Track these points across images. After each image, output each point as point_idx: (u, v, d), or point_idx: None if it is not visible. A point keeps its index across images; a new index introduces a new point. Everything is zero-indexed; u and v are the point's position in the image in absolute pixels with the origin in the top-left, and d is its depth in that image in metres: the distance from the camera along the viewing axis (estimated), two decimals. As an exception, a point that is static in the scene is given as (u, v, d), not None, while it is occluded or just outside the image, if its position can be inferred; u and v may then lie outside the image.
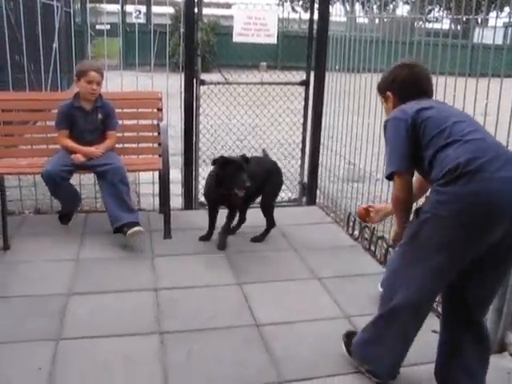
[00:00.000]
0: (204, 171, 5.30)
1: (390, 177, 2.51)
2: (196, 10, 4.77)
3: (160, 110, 4.83)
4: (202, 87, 4.96)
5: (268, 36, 4.97)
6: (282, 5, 30.75)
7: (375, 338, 2.72)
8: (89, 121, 4.41)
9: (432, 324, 3.24)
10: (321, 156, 5.41)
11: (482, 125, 2.53)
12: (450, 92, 3.53)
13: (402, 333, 2.63)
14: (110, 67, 5.21)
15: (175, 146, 5.52)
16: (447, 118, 2.40)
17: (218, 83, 5.08)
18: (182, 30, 4.84)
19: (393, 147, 2.48)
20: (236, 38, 4.95)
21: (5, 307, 3.35)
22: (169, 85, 4.87)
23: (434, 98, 2.75)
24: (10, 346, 2.96)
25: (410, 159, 2.45)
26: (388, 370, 2.73)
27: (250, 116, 5.73)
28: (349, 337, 2.93)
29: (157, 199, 5.05)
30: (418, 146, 2.43)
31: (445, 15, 4.18)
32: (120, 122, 4.67)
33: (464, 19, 3.56)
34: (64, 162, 4.26)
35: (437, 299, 3.48)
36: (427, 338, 3.08)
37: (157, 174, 4.91)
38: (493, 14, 3.52)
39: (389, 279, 2.66)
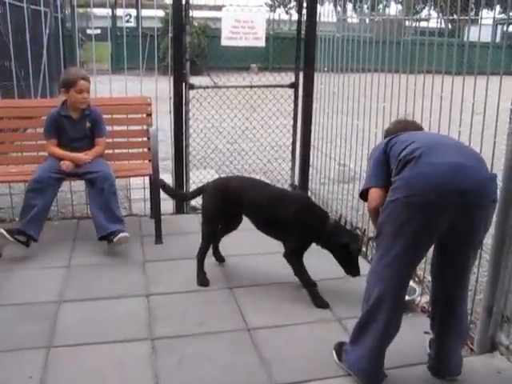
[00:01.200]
0: (194, 175, 5.31)
1: (361, 195, 2.87)
2: (184, 14, 4.77)
3: (149, 115, 4.83)
4: (191, 91, 4.96)
5: (256, 39, 4.97)
6: (275, 10, 30.83)
7: (356, 341, 2.76)
8: (77, 129, 4.40)
9: (423, 325, 3.27)
10: (311, 158, 5.42)
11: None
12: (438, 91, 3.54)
13: (379, 331, 2.66)
14: (100, 71, 5.20)
15: (166, 150, 5.52)
16: (408, 140, 2.66)
17: (207, 87, 5.08)
18: (170, 34, 4.83)
19: (369, 171, 2.85)
20: (224, 42, 4.95)
21: (-4, 315, 3.35)
22: (160, 88, 4.86)
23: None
24: (1, 354, 2.95)
25: (380, 177, 2.73)
26: (369, 373, 2.73)
27: (239, 119, 5.74)
28: (341, 346, 2.95)
29: (148, 204, 5.05)
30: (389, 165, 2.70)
31: (434, 14, 4.19)
32: (109, 127, 4.67)
33: (454, 18, 3.57)
34: (53, 169, 4.25)
35: (429, 300, 3.51)
36: (419, 338, 3.11)
37: (148, 178, 4.91)
38: (484, 13, 3.53)
39: (367, 283, 2.76)
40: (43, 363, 2.87)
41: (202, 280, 3.80)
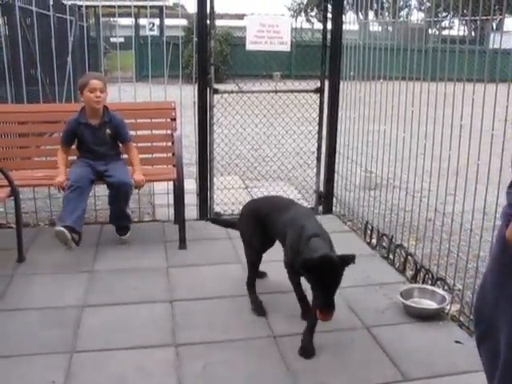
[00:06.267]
0: (219, 181, 5.27)
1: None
2: (208, 20, 4.75)
3: (174, 119, 4.80)
4: (215, 96, 4.93)
5: (281, 44, 4.92)
6: (296, 17, 30.92)
7: None
8: (97, 136, 4.34)
9: (454, 334, 3.19)
10: (336, 164, 5.35)
11: None
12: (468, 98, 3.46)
13: None
14: (124, 79, 5.20)
15: (190, 156, 5.50)
16: None
17: (232, 92, 5.04)
18: (195, 39, 4.81)
19: None
20: (249, 47, 4.90)
21: (19, 319, 3.32)
22: (182, 96, 4.84)
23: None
24: (24, 358, 2.92)
25: None
26: None
27: (264, 124, 5.70)
28: None
29: (172, 210, 5.01)
30: None
31: (458, 20, 4.11)
32: (133, 132, 4.64)
33: (478, 24, 3.50)
34: (88, 172, 4.26)
35: (459, 309, 3.42)
36: (450, 348, 3.03)
37: (171, 184, 4.88)
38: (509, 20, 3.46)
39: None
40: (66, 368, 2.83)
41: (257, 308, 3.46)
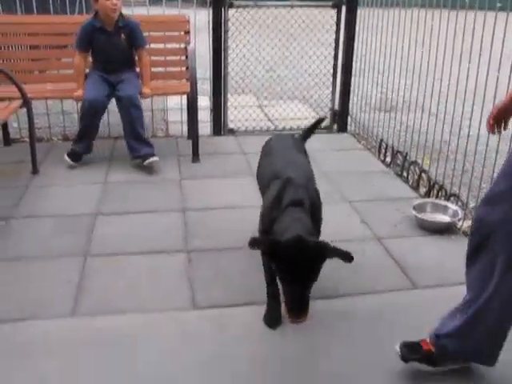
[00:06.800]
0: (232, 97, 5.21)
1: None
2: None
3: (187, 32, 4.69)
4: (230, 11, 4.80)
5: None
6: None
7: None
8: (112, 42, 4.23)
9: (465, 247, 3.18)
10: (352, 84, 5.24)
11: None
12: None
13: None
14: (137, 2, 5.09)
15: (204, 71, 5.40)
16: None
17: (247, 6, 4.91)
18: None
19: None
20: None
21: (35, 226, 3.37)
22: (197, 19, 4.73)
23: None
24: (41, 261, 2.98)
25: None
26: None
27: (280, 40, 5.56)
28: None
29: (185, 126, 4.98)
30: None
31: None
32: (147, 46, 4.55)
33: None
34: (104, 89, 4.20)
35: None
36: (461, 260, 3.03)
37: (185, 100, 4.82)
38: None
39: None
40: (81, 270, 2.89)
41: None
